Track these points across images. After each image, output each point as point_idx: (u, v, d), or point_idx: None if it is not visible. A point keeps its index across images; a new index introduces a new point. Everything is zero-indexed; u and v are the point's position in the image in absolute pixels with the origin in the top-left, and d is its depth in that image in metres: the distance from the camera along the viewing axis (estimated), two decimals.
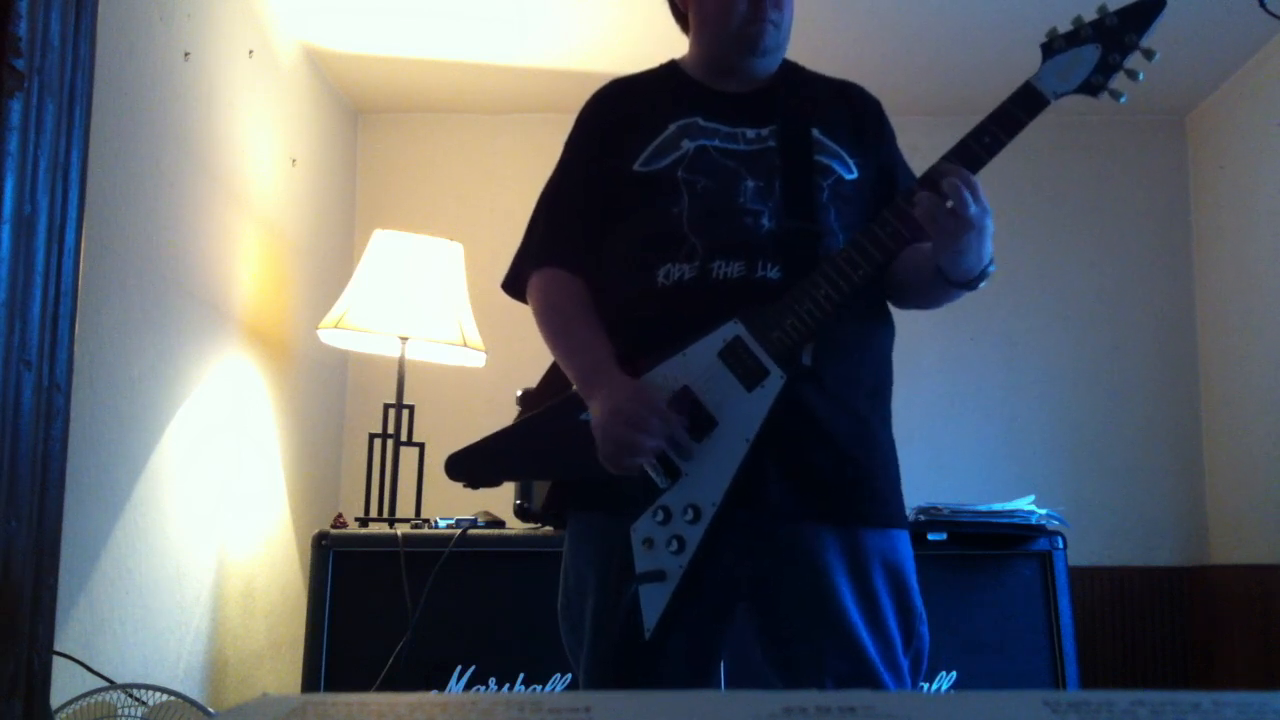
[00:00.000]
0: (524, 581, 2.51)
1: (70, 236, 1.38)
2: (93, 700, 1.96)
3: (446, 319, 3.01)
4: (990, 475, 3.64)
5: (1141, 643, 3.58)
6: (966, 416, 3.74)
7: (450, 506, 2.82)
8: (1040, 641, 2.57)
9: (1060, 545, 2.60)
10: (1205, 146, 3.77)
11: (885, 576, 1.54)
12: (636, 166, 1.61)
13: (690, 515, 1.47)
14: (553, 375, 1.68)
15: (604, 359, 1.55)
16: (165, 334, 2.48)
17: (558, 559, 1.66)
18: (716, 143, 1.60)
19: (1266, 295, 3.35)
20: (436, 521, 2.68)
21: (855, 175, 1.63)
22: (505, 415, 1.72)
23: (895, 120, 1.75)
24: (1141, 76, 1.45)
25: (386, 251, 3.04)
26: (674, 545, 1.47)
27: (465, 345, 3.03)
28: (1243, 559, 3.41)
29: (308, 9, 3.21)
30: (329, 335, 3.01)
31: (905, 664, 1.54)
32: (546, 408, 1.63)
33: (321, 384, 3.57)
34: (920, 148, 1.76)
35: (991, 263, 1.53)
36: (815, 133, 1.62)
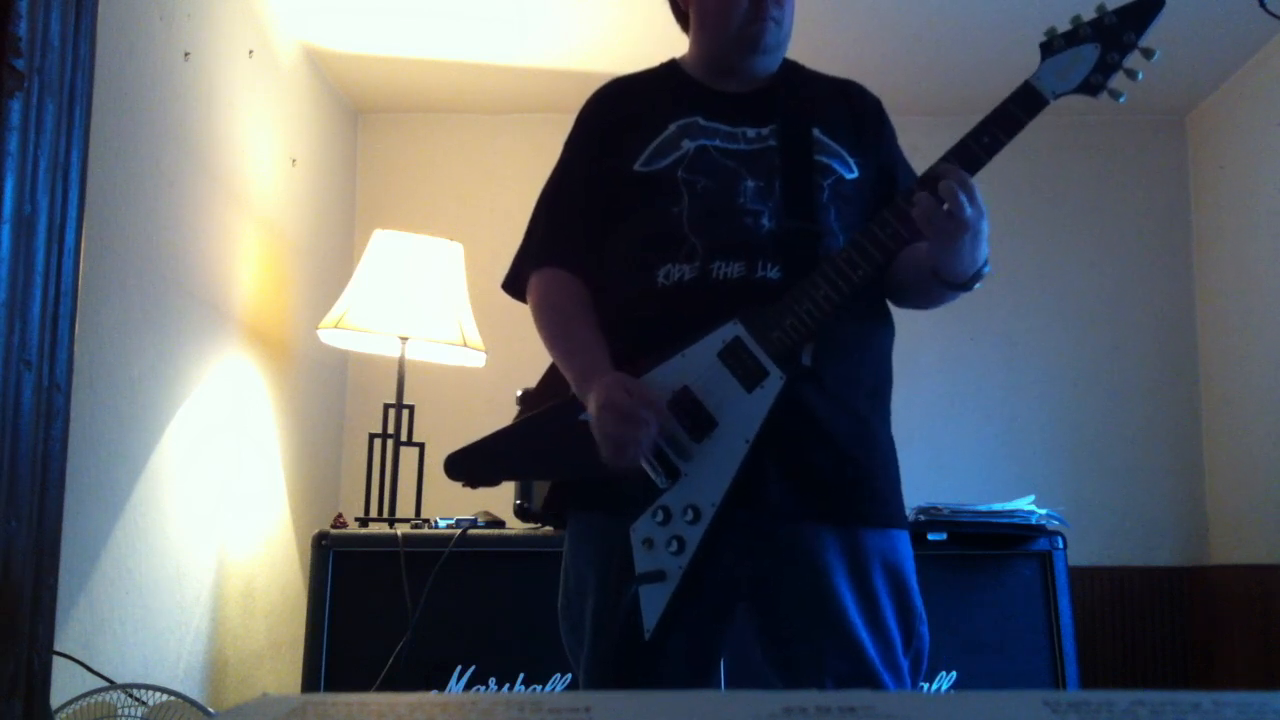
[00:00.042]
0: (524, 581, 2.51)
1: (70, 236, 1.38)
2: (93, 700, 1.96)
3: (446, 319, 3.01)
4: (990, 475, 3.64)
5: (1141, 643, 3.58)
6: (966, 416, 3.74)
7: (450, 506, 2.82)
8: (1040, 641, 2.57)
9: (1060, 545, 2.60)
10: (1205, 146, 3.77)
11: (885, 577, 1.54)
12: (637, 166, 1.60)
13: (690, 516, 1.47)
14: (552, 375, 1.68)
15: (601, 359, 1.55)
16: (165, 334, 2.48)
17: (558, 559, 1.66)
18: (717, 142, 1.60)
19: (1266, 295, 3.35)
20: (436, 521, 2.68)
21: (856, 175, 1.63)
22: (505, 415, 1.72)
23: (895, 120, 1.75)
24: (1141, 76, 1.45)
25: (386, 251, 3.04)
26: (674, 546, 1.47)
27: (465, 345, 3.03)
28: (1243, 559, 3.41)
29: (308, 9, 3.21)
30: (329, 335, 3.01)
31: (905, 664, 1.54)
32: (547, 407, 1.63)
33: (321, 384, 3.57)
34: (920, 148, 1.76)
35: (986, 264, 1.53)
36: (816, 132, 1.62)
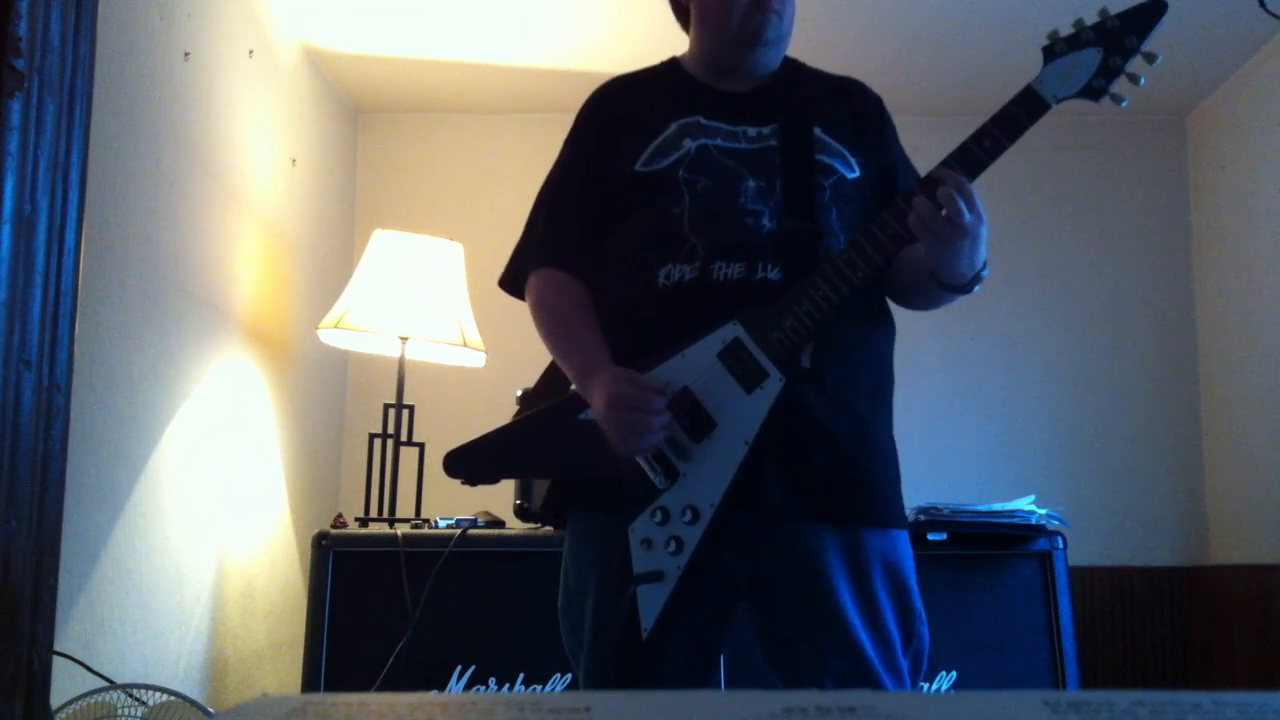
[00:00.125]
0: (524, 581, 2.51)
1: (70, 236, 1.38)
2: (93, 700, 1.96)
3: (446, 319, 3.01)
4: (990, 475, 3.64)
5: (1141, 643, 3.58)
6: (966, 416, 3.74)
7: (450, 506, 2.82)
8: (1040, 641, 2.57)
9: (1060, 545, 2.60)
10: (1205, 146, 3.77)
11: (885, 577, 1.54)
12: (637, 166, 1.60)
13: (689, 516, 1.47)
14: (552, 375, 1.68)
15: (601, 358, 1.55)
16: (165, 334, 2.48)
17: (558, 559, 1.66)
18: (718, 142, 1.60)
19: (1266, 295, 3.35)
20: (436, 521, 2.68)
21: (857, 174, 1.63)
22: (505, 415, 1.72)
23: (895, 120, 1.75)
24: (1143, 81, 1.45)
25: (386, 251, 3.04)
26: (672, 546, 1.47)
27: (465, 345, 3.03)
28: (1243, 559, 3.41)
29: (308, 9, 3.21)
30: (329, 335, 3.01)
31: (905, 664, 1.54)
32: (546, 406, 1.63)
33: (321, 384, 3.57)
34: (921, 148, 1.76)
35: (985, 267, 1.53)
36: (817, 131, 1.61)
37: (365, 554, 2.59)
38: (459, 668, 2.52)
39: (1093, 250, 3.81)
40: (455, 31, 3.35)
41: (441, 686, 2.51)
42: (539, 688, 2.50)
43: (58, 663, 1.71)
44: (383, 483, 3.00)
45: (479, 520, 2.67)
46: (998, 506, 2.62)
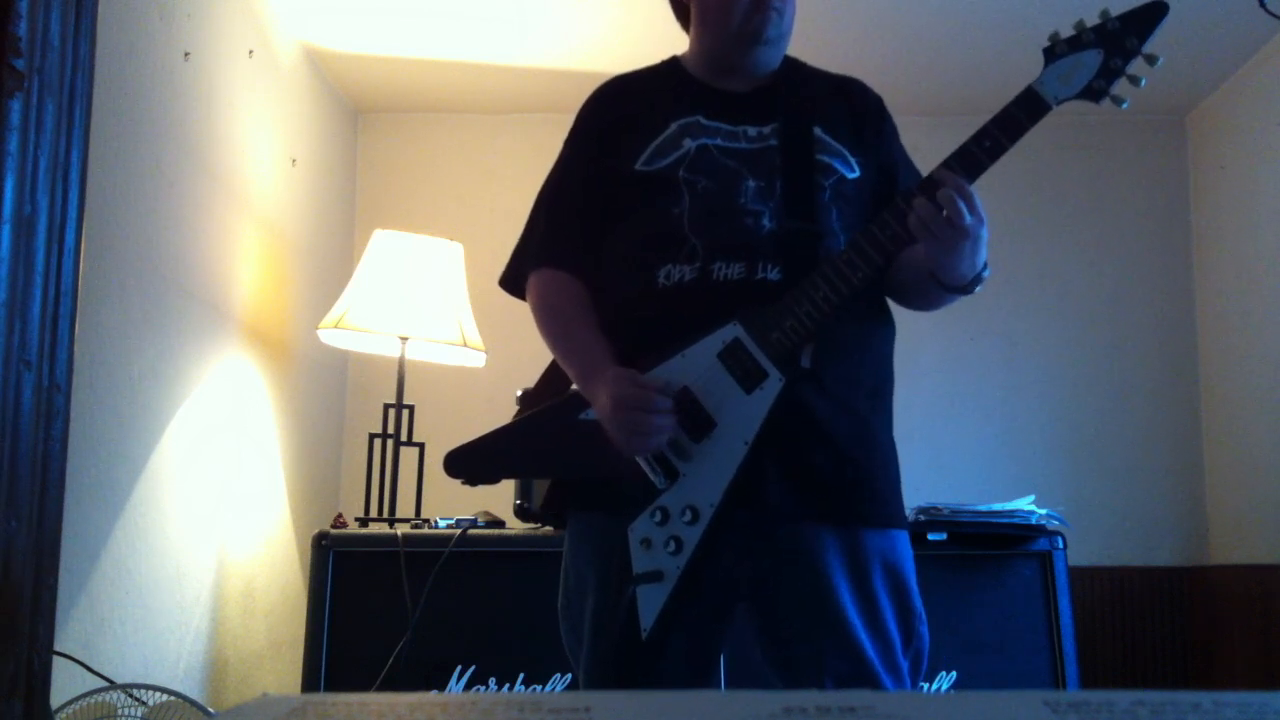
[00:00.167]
0: (524, 581, 2.51)
1: (70, 236, 1.38)
2: (93, 700, 1.96)
3: (446, 319, 3.01)
4: (990, 475, 3.64)
5: (1141, 643, 3.58)
6: (966, 416, 3.74)
7: (450, 506, 2.82)
8: (1040, 641, 2.57)
9: (1060, 545, 2.60)
10: (1205, 146, 3.77)
11: (885, 577, 1.54)
12: (638, 166, 1.60)
13: (688, 516, 1.47)
14: (552, 375, 1.68)
15: (602, 359, 1.55)
16: (165, 334, 2.48)
17: (558, 559, 1.66)
18: (719, 141, 1.60)
19: (1266, 295, 3.35)
20: (436, 521, 2.68)
21: (857, 174, 1.63)
22: (505, 415, 1.72)
23: (896, 120, 1.75)
24: (1144, 82, 1.44)
25: (386, 251, 3.04)
26: (671, 546, 1.47)
27: (465, 345, 3.03)
28: (1243, 559, 3.41)
29: (308, 9, 3.21)
30: (329, 335, 3.01)
31: (905, 664, 1.54)
32: (546, 406, 1.63)
33: (321, 384, 3.57)
34: (921, 148, 1.76)
35: (986, 268, 1.53)
36: (817, 131, 1.61)
37: (365, 554, 2.59)
38: (459, 668, 2.52)
39: (1093, 250, 3.81)
40: (455, 31, 3.35)
41: (441, 686, 2.51)
42: (539, 688, 2.50)
43: (58, 663, 1.71)
44: (383, 483, 3.00)
45: (479, 520, 2.67)
46: (998, 506, 2.62)
